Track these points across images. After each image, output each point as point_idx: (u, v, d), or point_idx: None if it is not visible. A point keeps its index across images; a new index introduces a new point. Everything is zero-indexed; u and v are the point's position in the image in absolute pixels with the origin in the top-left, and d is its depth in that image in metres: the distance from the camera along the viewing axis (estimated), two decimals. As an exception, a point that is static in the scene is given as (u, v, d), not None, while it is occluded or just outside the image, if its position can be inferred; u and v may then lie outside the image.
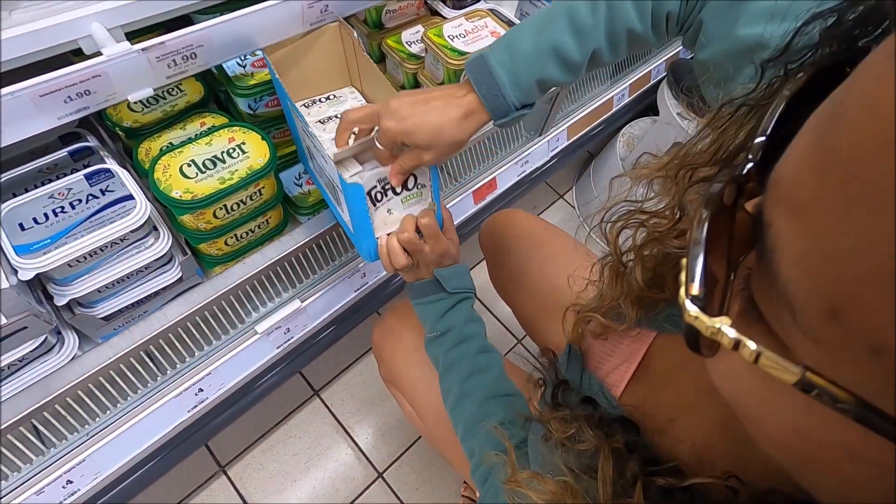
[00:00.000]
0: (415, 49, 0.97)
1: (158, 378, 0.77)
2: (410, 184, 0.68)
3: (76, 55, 0.59)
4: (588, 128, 1.31)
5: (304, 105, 0.86)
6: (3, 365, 0.62)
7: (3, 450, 0.66)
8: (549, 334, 0.88)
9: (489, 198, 1.14)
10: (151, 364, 0.76)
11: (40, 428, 0.68)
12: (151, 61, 0.58)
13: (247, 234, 0.80)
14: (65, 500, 0.71)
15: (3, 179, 0.68)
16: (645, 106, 1.52)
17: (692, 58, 0.59)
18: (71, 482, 0.71)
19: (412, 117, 0.59)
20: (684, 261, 0.21)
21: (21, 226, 0.61)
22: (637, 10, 0.56)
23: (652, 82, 1.43)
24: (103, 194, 0.65)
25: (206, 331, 0.80)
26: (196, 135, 0.75)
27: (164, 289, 0.75)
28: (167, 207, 0.70)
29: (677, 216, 0.38)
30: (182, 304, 0.72)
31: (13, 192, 0.68)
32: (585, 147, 1.41)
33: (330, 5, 0.71)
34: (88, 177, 0.66)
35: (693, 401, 0.42)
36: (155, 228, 0.70)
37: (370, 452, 1.22)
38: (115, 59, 0.55)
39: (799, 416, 0.20)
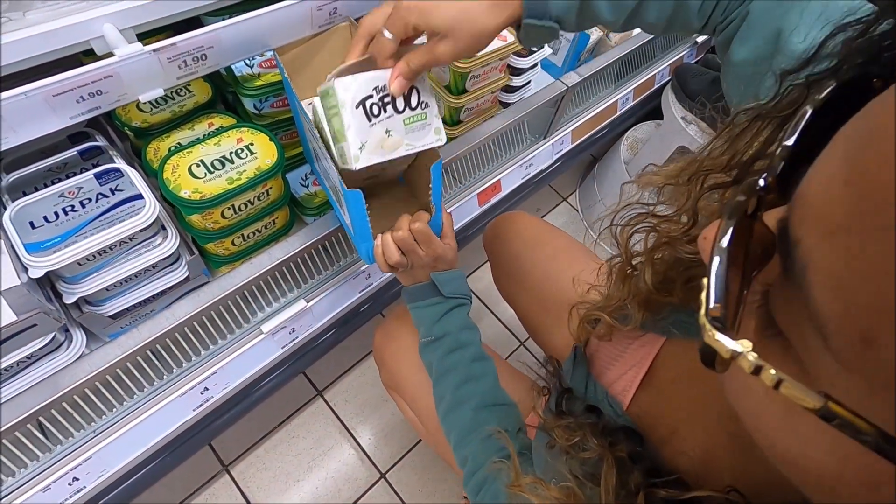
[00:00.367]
0: (421, 51, 0.97)
1: (164, 376, 0.78)
2: (414, 101, 0.60)
3: (87, 56, 0.59)
4: (592, 131, 1.32)
5: (310, 104, 0.86)
6: (11, 362, 0.63)
7: (11, 447, 0.66)
8: (552, 336, 0.88)
9: (493, 200, 1.15)
10: (157, 362, 0.76)
11: (47, 425, 0.68)
12: (163, 62, 0.59)
13: (254, 234, 0.80)
14: (70, 497, 0.72)
15: (13, 178, 0.68)
16: (649, 110, 1.53)
17: (717, 66, 0.57)
18: (77, 479, 0.72)
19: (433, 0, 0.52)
20: (705, 280, 0.20)
21: (31, 224, 0.61)
22: None
23: (656, 86, 1.43)
24: (113, 193, 0.65)
25: (212, 330, 0.80)
26: (204, 135, 0.76)
27: (171, 288, 0.75)
28: (175, 207, 0.71)
29: (690, 222, 0.38)
30: (189, 304, 0.72)
31: (23, 190, 0.68)
32: (589, 150, 1.41)
33: (338, 7, 0.71)
34: (98, 176, 0.66)
35: (698, 411, 0.42)
36: (163, 228, 0.71)
37: (373, 453, 1.22)
38: (127, 59, 0.56)
39: (815, 443, 0.20)
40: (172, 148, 0.74)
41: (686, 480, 0.37)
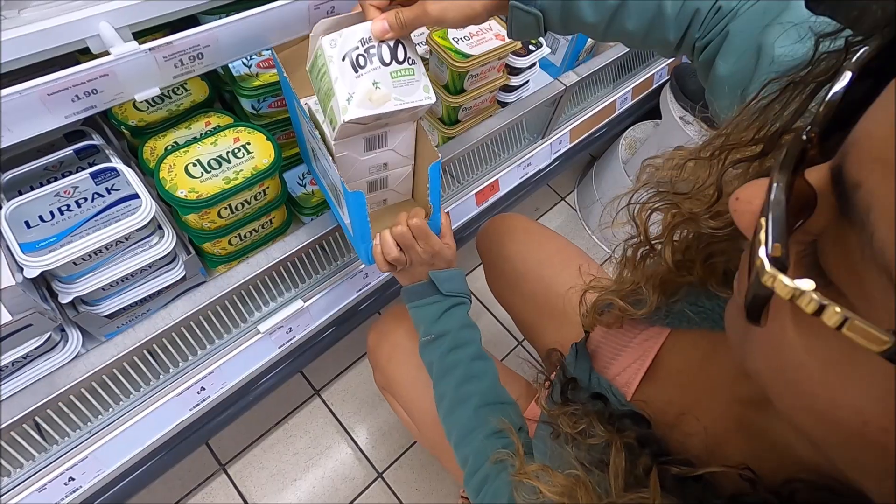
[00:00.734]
0: (419, 50, 0.97)
1: (161, 376, 0.78)
2: (400, 55, 0.59)
3: (82, 54, 0.59)
4: (591, 131, 1.32)
5: (307, 105, 0.86)
6: (7, 362, 0.63)
7: (7, 446, 0.66)
8: (547, 338, 0.88)
9: (491, 199, 1.15)
10: (154, 362, 0.76)
11: (43, 425, 0.68)
12: (159, 61, 0.58)
13: (250, 233, 0.80)
14: (66, 496, 0.72)
15: (8, 177, 0.68)
16: (647, 110, 1.53)
17: (703, 84, 0.57)
18: (73, 479, 0.71)
19: None
20: (762, 220, 0.20)
21: (27, 223, 0.61)
22: None
23: (654, 86, 1.43)
24: (109, 193, 0.65)
25: (209, 329, 0.80)
26: (201, 134, 0.76)
27: (167, 287, 0.75)
28: (172, 206, 0.70)
29: (714, 197, 0.37)
30: (185, 303, 0.72)
31: (19, 189, 0.68)
32: (588, 150, 1.41)
33: (336, 6, 0.71)
34: (94, 175, 0.66)
35: (705, 398, 0.42)
36: (159, 227, 0.70)
37: (370, 452, 1.22)
38: (123, 58, 0.55)
39: (863, 396, 0.20)
40: (169, 147, 0.74)
41: (695, 462, 0.37)
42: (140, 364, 0.74)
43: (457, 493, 1.20)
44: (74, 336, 0.70)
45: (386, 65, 0.58)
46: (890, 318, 0.18)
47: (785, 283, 0.19)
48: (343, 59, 0.57)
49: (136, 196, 0.65)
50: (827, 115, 0.22)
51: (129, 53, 0.56)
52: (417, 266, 0.70)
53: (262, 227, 0.81)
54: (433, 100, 0.62)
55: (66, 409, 0.69)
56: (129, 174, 0.66)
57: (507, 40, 0.92)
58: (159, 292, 0.76)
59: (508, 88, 1.07)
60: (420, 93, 0.61)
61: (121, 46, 0.56)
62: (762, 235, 0.20)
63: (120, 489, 0.81)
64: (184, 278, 0.76)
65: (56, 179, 0.69)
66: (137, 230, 0.64)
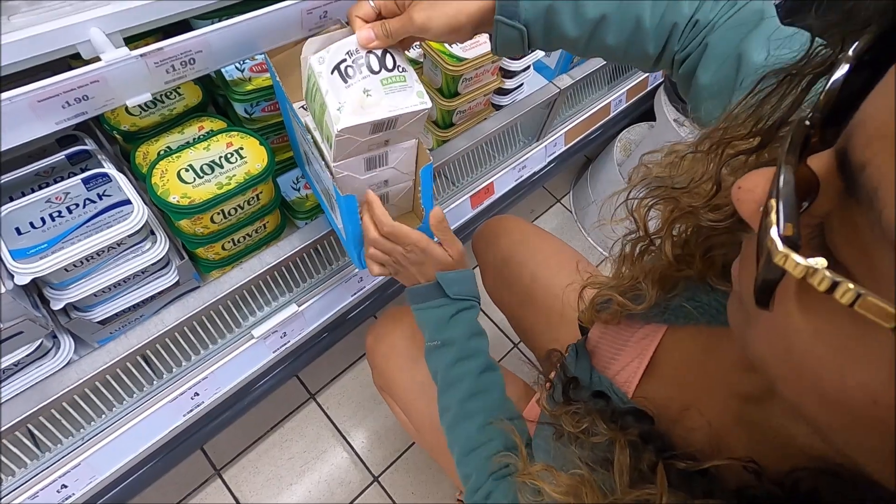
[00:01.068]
0: (413, 53, 0.97)
1: (154, 382, 0.77)
2: (389, 63, 0.59)
3: (74, 59, 0.59)
4: (585, 133, 1.32)
5: (303, 107, 0.86)
6: (-2, 369, 0.62)
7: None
8: (543, 339, 0.88)
9: (486, 202, 1.15)
10: (147, 368, 0.76)
11: (35, 432, 0.68)
12: (150, 67, 0.58)
13: (244, 238, 0.80)
14: (59, 504, 0.71)
15: (-1, 183, 0.68)
16: (642, 111, 1.53)
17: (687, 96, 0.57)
18: (66, 486, 0.71)
19: None
20: (773, 201, 0.21)
21: (18, 230, 0.61)
22: (651, 3, 0.53)
23: (649, 88, 1.44)
24: (100, 198, 0.65)
25: (203, 335, 0.80)
26: (194, 139, 0.75)
27: (160, 293, 0.75)
28: (164, 212, 0.70)
29: (713, 191, 0.38)
30: (179, 309, 0.72)
31: (10, 195, 0.67)
32: (583, 152, 1.41)
33: (329, 10, 0.71)
34: (86, 181, 0.65)
35: (705, 394, 0.42)
36: (152, 233, 0.70)
37: (366, 456, 1.22)
38: (114, 64, 0.55)
39: (872, 375, 0.20)
40: (161, 152, 0.74)
41: (700, 456, 0.37)
42: (133, 370, 0.73)
43: (453, 496, 1.20)
44: (66, 342, 0.70)
45: (375, 73, 0.58)
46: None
47: (797, 261, 0.19)
48: (332, 73, 0.57)
49: (127, 202, 0.65)
50: (828, 103, 0.23)
51: (119, 59, 0.55)
52: (410, 267, 0.67)
53: (255, 232, 0.81)
54: (429, 105, 0.61)
55: (58, 415, 0.69)
56: (121, 180, 0.66)
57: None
58: (152, 298, 0.75)
59: (503, 91, 1.07)
60: (414, 98, 0.60)
61: (112, 52, 0.55)
62: (773, 216, 0.20)
63: (113, 496, 0.80)
64: (177, 283, 0.76)
65: (48, 185, 0.68)
66: (129, 236, 0.64)
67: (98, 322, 0.71)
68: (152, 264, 0.69)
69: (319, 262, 0.90)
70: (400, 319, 0.84)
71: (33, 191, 0.67)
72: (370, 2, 0.57)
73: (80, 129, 0.78)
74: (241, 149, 0.73)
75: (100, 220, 0.63)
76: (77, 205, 0.64)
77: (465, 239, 1.19)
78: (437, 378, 0.67)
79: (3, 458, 0.66)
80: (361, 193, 0.71)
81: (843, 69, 0.22)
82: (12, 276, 0.58)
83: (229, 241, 0.78)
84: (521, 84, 1.11)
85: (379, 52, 0.59)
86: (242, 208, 0.74)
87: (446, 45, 0.90)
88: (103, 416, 0.74)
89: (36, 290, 0.67)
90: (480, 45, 0.91)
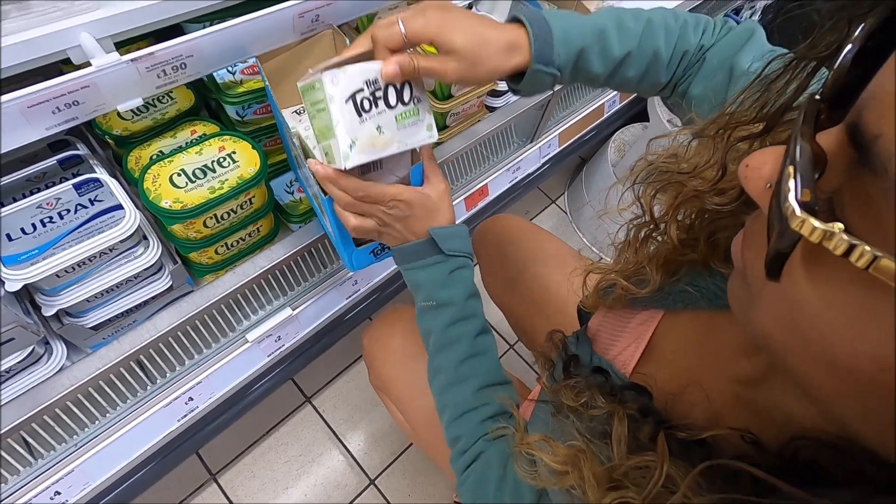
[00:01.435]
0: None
1: (148, 387, 0.77)
2: (406, 95, 0.57)
3: (66, 64, 0.58)
4: (579, 134, 1.32)
5: (295, 111, 0.86)
6: (-11, 376, 0.62)
7: (-10, 462, 0.65)
8: (542, 336, 0.88)
9: (481, 204, 1.15)
10: (141, 373, 0.75)
11: (28, 439, 0.68)
12: (141, 71, 0.58)
13: (238, 242, 0.80)
14: (53, 511, 0.71)
15: (-10, 188, 0.67)
16: (636, 112, 1.54)
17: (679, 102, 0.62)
18: (59, 493, 0.71)
19: (456, 20, 0.52)
20: (790, 168, 0.21)
21: (8, 236, 0.60)
22: (665, 37, 0.57)
23: (643, 89, 1.44)
24: (92, 204, 0.64)
25: (197, 339, 0.79)
26: (186, 143, 0.75)
27: (153, 297, 0.74)
28: (157, 216, 0.70)
29: (718, 175, 0.39)
30: (172, 314, 0.72)
31: (1, 201, 0.67)
32: (577, 153, 1.41)
33: (321, 14, 0.71)
34: (77, 186, 0.65)
35: (703, 377, 0.43)
36: (145, 237, 0.70)
37: (362, 459, 1.22)
38: (104, 69, 0.55)
39: (881, 341, 0.21)
40: (154, 156, 0.74)
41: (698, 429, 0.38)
42: (126, 375, 0.73)
43: (450, 498, 1.20)
44: (59, 349, 0.70)
45: (391, 108, 0.56)
46: None
47: (815, 224, 0.20)
48: (346, 102, 0.54)
49: (119, 207, 0.64)
50: (837, 80, 0.24)
51: (110, 65, 0.55)
52: (395, 224, 0.62)
53: (249, 236, 0.81)
54: (436, 137, 0.60)
55: (51, 422, 0.69)
56: (113, 185, 0.66)
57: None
58: (146, 303, 0.75)
59: (496, 93, 1.07)
60: (423, 132, 0.59)
61: (102, 57, 0.55)
62: (790, 183, 0.21)
63: (107, 502, 0.80)
64: (170, 288, 0.75)
65: (39, 190, 0.68)
66: (121, 241, 0.64)
67: (90, 328, 0.71)
68: (145, 269, 0.69)
69: (314, 265, 0.90)
70: (396, 319, 0.84)
71: (24, 196, 0.66)
72: (400, 25, 0.52)
73: (71, 133, 0.77)
74: (234, 153, 0.73)
75: (91, 226, 0.63)
76: (68, 210, 0.64)
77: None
78: (430, 339, 0.63)
79: (-4, 466, 0.66)
80: None
81: (852, 48, 0.23)
82: (3, 283, 0.58)
83: (222, 246, 0.77)
84: (515, 86, 1.11)
85: (398, 84, 0.56)
86: (235, 212, 0.74)
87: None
88: (96, 421, 0.73)
89: (27, 296, 0.67)
90: (473, 47, 0.91)
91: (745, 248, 0.29)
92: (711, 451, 0.35)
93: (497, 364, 0.63)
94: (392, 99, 0.56)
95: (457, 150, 0.99)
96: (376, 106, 0.55)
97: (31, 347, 0.64)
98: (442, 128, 1.02)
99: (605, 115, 1.37)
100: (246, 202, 0.74)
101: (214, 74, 0.79)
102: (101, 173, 0.68)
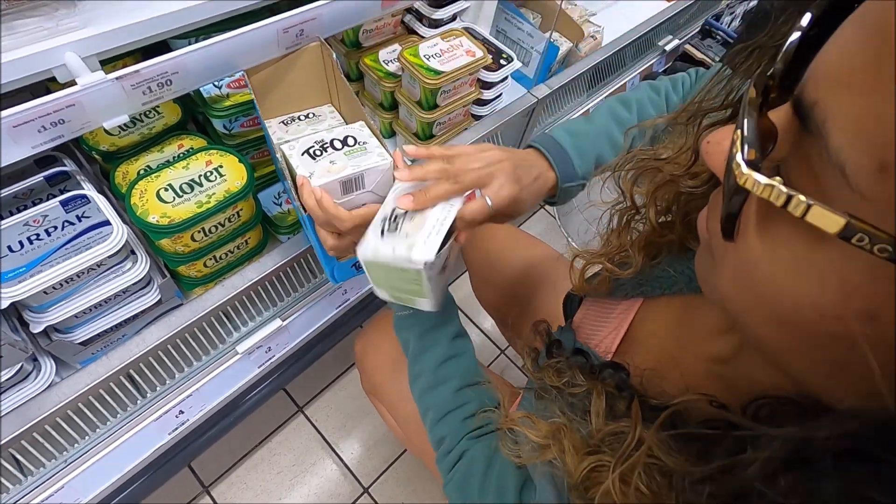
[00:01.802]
0: (392, 67, 0.98)
1: (138, 401, 0.77)
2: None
3: (53, 82, 0.59)
4: (565, 140, 1.34)
5: (282, 122, 0.86)
6: (-23, 395, 0.62)
7: (-21, 480, 0.65)
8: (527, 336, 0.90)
9: (469, 211, 1.15)
10: (131, 387, 0.75)
11: (18, 456, 0.67)
12: (126, 89, 0.59)
13: (226, 255, 0.80)
14: (43, 528, 0.71)
15: (-24, 206, 0.68)
16: (621, 117, 1.55)
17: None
18: (49, 510, 0.71)
19: (502, 171, 0.58)
20: (737, 132, 0.24)
21: (-5, 254, 0.61)
22: (655, 108, 0.68)
23: (627, 95, 1.46)
24: (79, 220, 0.65)
25: (187, 352, 0.79)
26: (174, 157, 0.76)
27: (143, 312, 0.75)
28: (144, 231, 0.70)
29: (692, 160, 0.42)
30: (161, 328, 0.72)
31: (-13, 218, 0.67)
32: (564, 159, 1.43)
33: (305, 29, 0.72)
34: (64, 203, 0.65)
35: (677, 355, 0.46)
36: (132, 252, 0.70)
37: (355, 467, 1.22)
38: (90, 88, 0.56)
39: (819, 289, 0.23)
40: (141, 171, 0.74)
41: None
42: (116, 390, 0.73)
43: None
44: (47, 365, 0.70)
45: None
46: (843, 207, 0.21)
47: (758, 179, 0.23)
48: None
49: (107, 223, 0.65)
50: (785, 60, 0.26)
51: (95, 83, 0.56)
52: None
53: (237, 248, 0.81)
54: (389, 160, 0.65)
55: (41, 439, 0.68)
56: (100, 201, 0.66)
57: (478, 56, 0.93)
58: (135, 317, 0.75)
59: (481, 102, 1.08)
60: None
61: (87, 76, 0.56)
62: (738, 145, 0.24)
63: (99, 517, 0.80)
64: (159, 302, 0.76)
65: (26, 207, 0.68)
66: (109, 257, 0.64)
67: (79, 343, 0.71)
68: (133, 284, 0.69)
69: (303, 275, 0.90)
70: (388, 324, 0.85)
71: (11, 213, 0.67)
72: (487, 200, 0.57)
73: (59, 149, 0.77)
74: (221, 167, 0.73)
75: (79, 242, 0.63)
76: (55, 227, 0.64)
77: (450, 248, 1.20)
78: (409, 346, 0.66)
79: (-15, 484, 0.66)
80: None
81: (797, 33, 0.26)
82: (-10, 301, 0.58)
83: (211, 259, 0.78)
84: (500, 94, 1.12)
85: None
86: (223, 226, 0.74)
87: (424, 58, 0.92)
88: (87, 437, 0.73)
89: (15, 314, 0.67)
90: (457, 58, 0.93)
91: (710, 219, 0.31)
92: (680, 417, 0.37)
93: (475, 364, 0.65)
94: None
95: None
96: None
97: (20, 365, 0.65)
98: (428, 137, 1.03)
99: (591, 121, 1.38)
100: (234, 215, 0.74)
101: (201, 89, 0.79)
102: (88, 189, 0.69)
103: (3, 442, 0.63)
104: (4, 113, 0.52)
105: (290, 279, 0.88)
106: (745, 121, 0.24)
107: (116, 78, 0.57)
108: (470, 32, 1.00)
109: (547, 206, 1.76)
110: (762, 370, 0.36)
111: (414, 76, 0.91)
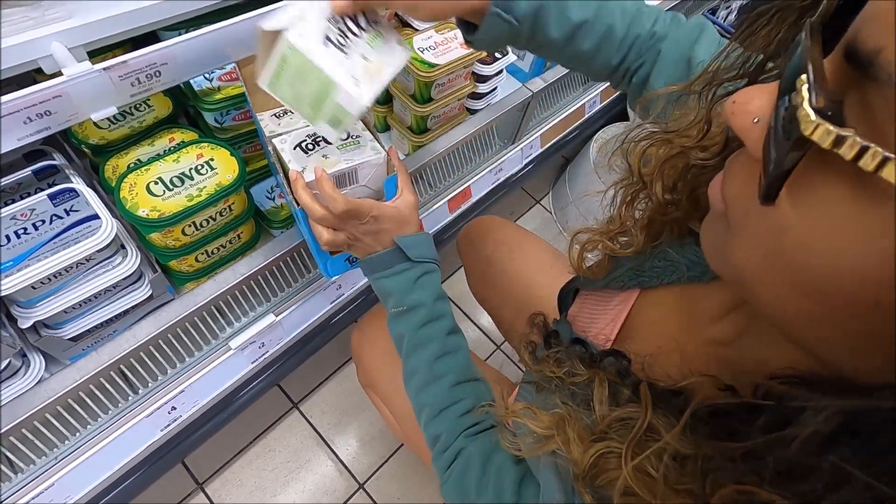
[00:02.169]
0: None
1: (129, 398, 0.76)
2: (363, 23, 0.56)
3: (39, 73, 0.58)
4: (561, 135, 1.33)
5: (274, 115, 0.85)
6: (-35, 391, 0.61)
7: (-33, 478, 0.64)
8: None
9: (464, 206, 1.15)
10: (122, 383, 0.75)
11: (6, 453, 0.67)
12: (114, 80, 0.58)
13: (218, 249, 0.79)
14: (33, 526, 0.70)
15: (-37, 200, 0.67)
16: (617, 112, 1.55)
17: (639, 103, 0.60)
18: (40, 507, 0.70)
19: None
20: (803, 76, 0.22)
21: (-18, 248, 0.60)
22: (621, 15, 0.57)
23: (623, 89, 1.46)
24: (67, 214, 0.64)
25: (179, 347, 0.79)
26: (164, 151, 0.75)
27: (134, 307, 0.74)
28: (134, 225, 0.69)
29: (704, 130, 0.40)
30: (151, 323, 0.71)
31: (-26, 213, 0.66)
32: (560, 153, 1.42)
33: (297, 20, 0.71)
34: (52, 197, 0.65)
35: (678, 342, 0.44)
36: (122, 247, 0.69)
37: (351, 464, 1.21)
38: (77, 78, 0.54)
39: (867, 252, 0.21)
40: (131, 165, 0.73)
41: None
42: (107, 386, 0.72)
43: (440, 499, 1.20)
44: (37, 361, 0.69)
45: (359, 36, 0.55)
46: None
47: (830, 128, 0.20)
48: (325, 45, 0.51)
49: (95, 216, 0.64)
50: (827, 10, 0.25)
51: (82, 73, 0.55)
52: (364, 238, 0.64)
53: (229, 243, 0.80)
54: (382, 154, 0.64)
55: (30, 435, 0.68)
56: (89, 195, 0.65)
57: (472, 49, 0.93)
58: (126, 312, 0.74)
59: (476, 96, 1.08)
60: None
61: (74, 67, 0.55)
62: (804, 91, 0.21)
63: (91, 515, 0.79)
64: (150, 297, 0.75)
65: (14, 201, 0.67)
66: (98, 251, 0.63)
67: (69, 339, 0.70)
68: (124, 279, 0.69)
69: (296, 270, 0.89)
70: (384, 318, 0.85)
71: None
72: None
73: (47, 143, 0.76)
74: (212, 160, 0.72)
75: (67, 236, 0.62)
76: (43, 221, 0.63)
77: (446, 242, 1.19)
78: (403, 343, 0.65)
79: (-26, 482, 0.65)
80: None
81: None
82: (-23, 296, 0.57)
83: (202, 253, 0.77)
84: (495, 88, 1.11)
85: (352, 17, 0.55)
86: (215, 220, 0.73)
87: (418, 50, 0.91)
88: (77, 433, 0.73)
89: (3, 309, 0.66)
90: (452, 50, 0.92)
91: (727, 186, 0.30)
92: (688, 400, 0.36)
93: (469, 361, 0.64)
94: (354, 29, 0.54)
95: (439, 153, 0.99)
96: (348, 38, 0.53)
97: (8, 360, 0.64)
98: (423, 131, 1.02)
99: (587, 116, 1.38)
100: (225, 209, 0.74)
101: (191, 81, 0.78)
102: (77, 183, 0.68)
103: (-9, 439, 0.62)
104: (-12, 104, 0.51)
105: (284, 274, 0.87)
106: (810, 66, 0.22)
107: (104, 69, 0.56)
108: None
109: (542, 203, 1.75)
110: (770, 350, 0.35)
111: (408, 69, 0.90)
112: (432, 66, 0.89)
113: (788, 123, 0.22)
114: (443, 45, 0.92)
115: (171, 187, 0.69)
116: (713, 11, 1.54)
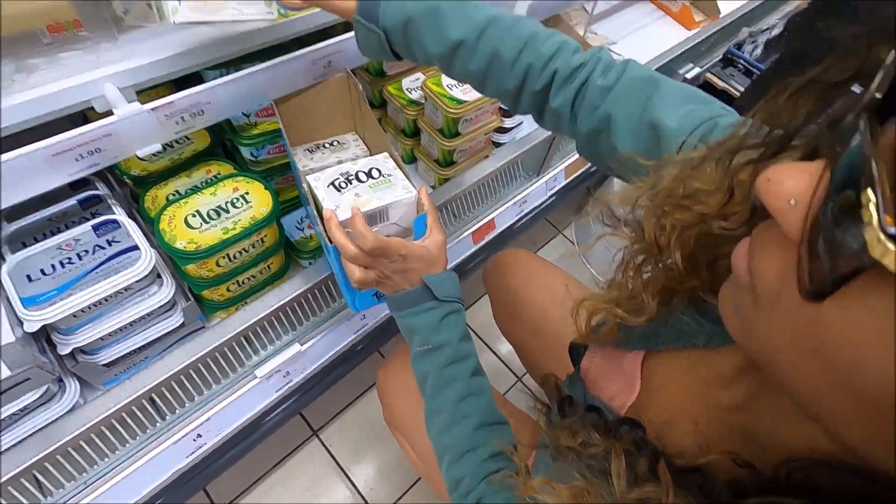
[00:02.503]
0: (414, 95, 1.00)
1: (157, 424, 0.77)
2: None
3: (91, 110, 0.61)
4: (586, 167, 1.34)
5: (308, 150, 0.88)
6: (4, 416, 0.63)
7: (2, 502, 0.65)
8: (547, 368, 0.88)
9: (488, 238, 1.16)
10: (151, 410, 0.76)
11: (40, 478, 0.68)
12: (160, 119, 0.60)
13: (249, 279, 0.81)
14: (60, 550, 0.71)
15: (13, 228, 0.69)
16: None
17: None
18: (67, 532, 0.71)
19: None
20: (870, 192, 0.20)
21: (28, 277, 0.62)
22: (510, 41, 0.54)
23: (647, 122, 1.46)
24: (109, 245, 0.66)
25: (207, 376, 0.80)
26: (202, 183, 0.77)
27: (166, 334, 0.76)
28: (171, 256, 0.71)
29: (726, 198, 0.38)
30: (183, 353, 0.73)
31: (23, 241, 0.69)
32: (584, 184, 1.43)
33: (332, 60, 0.74)
34: (95, 228, 0.67)
35: (689, 407, 0.44)
36: (158, 276, 0.71)
37: (368, 494, 1.20)
38: (126, 118, 0.57)
39: None
40: (170, 196, 0.76)
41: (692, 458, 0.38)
42: (137, 413, 0.74)
43: (458, 536, 1.18)
44: (72, 386, 0.70)
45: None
46: None
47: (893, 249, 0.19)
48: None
49: (136, 248, 0.66)
50: (885, 80, 0.23)
51: (131, 113, 0.58)
52: (393, 276, 0.65)
53: (260, 273, 0.82)
54: (413, 193, 0.68)
55: (62, 460, 0.69)
56: (130, 226, 0.68)
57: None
58: (158, 339, 0.76)
59: (502, 130, 1.09)
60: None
61: (124, 107, 0.58)
62: (872, 208, 0.20)
63: (114, 540, 0.79)
64: (182, 325, 0.77)
65: (59, 231, 0.70)
66: (137, 281, 0.65)
67: (104, 365, 0.72)
68: (159, 307, 0.70)
69: (322, 300, 0.91)
70: (409, 356, 0.85)
71: (45, 236, 0.69)
72: None
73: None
74: (247, 193, 0.75)
75: (108, 266, 0.65)
76: (87, 251, 0.65)
77: (469, 272, 1.20)
78: (427, 381, 0.65)
79: (6, 505, 0.66)
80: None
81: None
82: (21, 324, 0.59)
83: (234, 283, 0.79)
84: (521, 122, 1.13)
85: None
86: (247, 251, 0.75)
87: (447, 87, 0.93)
88: (106, 459, 0.74)
89: (44, 335, 0.68)
90: (480, 87, 0.94)
91: (757, 261, 0.28)
92: (706, 478, 0.36)
93: (493, 404, 0.64)
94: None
95: (465, 187, 1.00)
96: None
97: (46, 386, 0.65)
98: (449, 164, 1.04)
99: (611, 149, 1.38)
100: (258, 241, 0.75)
101: (230, 118, 0.81)
102: (119, 214, 0.70)
103: (27, 465, 0.63)
104: (45, 142, 0.54)
105: (310, 304, 0.88)
106: (878, 186, 0.20)
107: (152, 109, 0.59)
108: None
109: (565, 233, 1.75)
110: (780, 421, 0.34)
111: (437, 105, 0.92)
112: (460, 102, 0.91)
113: (848, 233, 0.21)
114: (471, 83, 0.95)
115: (207, 220, 0.71)
116: (738, 46, 1.54)
